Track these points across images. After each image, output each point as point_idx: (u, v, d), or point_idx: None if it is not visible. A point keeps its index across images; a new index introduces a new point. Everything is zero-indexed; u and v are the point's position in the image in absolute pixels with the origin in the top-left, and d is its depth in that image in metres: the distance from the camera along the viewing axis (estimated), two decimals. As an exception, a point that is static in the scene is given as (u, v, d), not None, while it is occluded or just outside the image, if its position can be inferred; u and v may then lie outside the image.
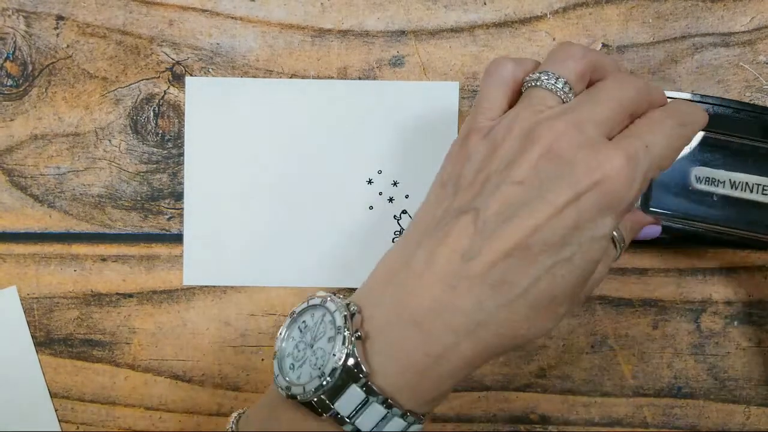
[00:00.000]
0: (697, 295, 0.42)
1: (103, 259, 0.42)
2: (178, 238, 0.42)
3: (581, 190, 0.27)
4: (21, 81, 0.41)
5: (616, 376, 0.42)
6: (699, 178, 0.36)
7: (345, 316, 0.28)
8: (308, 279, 0.42)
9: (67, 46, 0.41)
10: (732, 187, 0.36)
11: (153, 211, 0.42)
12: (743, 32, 0.41)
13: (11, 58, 0.41)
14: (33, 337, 0.42)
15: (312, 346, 0.29)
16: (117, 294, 0.42)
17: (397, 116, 0.41)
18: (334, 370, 0.28)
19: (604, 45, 0.41)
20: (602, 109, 0.29)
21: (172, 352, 0.42)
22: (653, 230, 0.37)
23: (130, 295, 0.42)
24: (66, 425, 0.42)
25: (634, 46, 0.41)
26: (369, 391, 0.28)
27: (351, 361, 0.28)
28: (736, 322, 0.42)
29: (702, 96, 0.40)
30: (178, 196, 0.42)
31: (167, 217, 0.42)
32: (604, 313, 0.42)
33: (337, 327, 0.28)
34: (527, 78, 0.31)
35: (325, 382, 0.28)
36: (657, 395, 0.42)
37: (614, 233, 0.32)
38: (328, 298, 0.30)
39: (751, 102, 0.41)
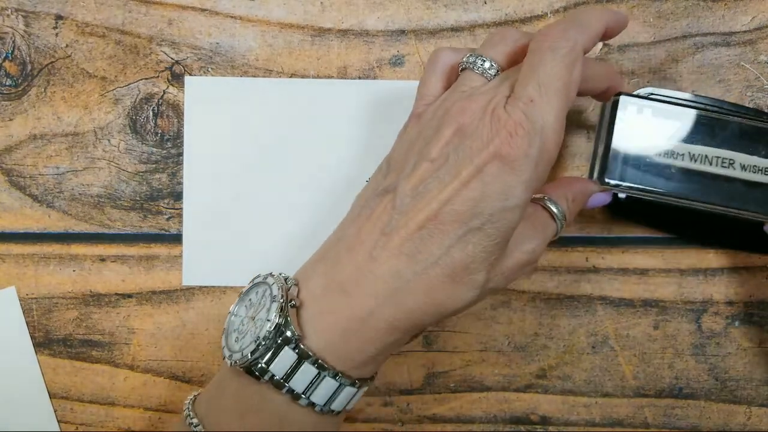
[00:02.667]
0: (698, 295, 0.42)
1: (102, 260, 0.42)
2: (177, 238, 0.42)
3: (481, 162, 0.29)
4: (20, 80, 0.41)
5: (617, 376, 0.42)
6: (658, 150, 0.36)
7: (281, 286, 0.31)
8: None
9: (66, 45, 0.41)
10: (691, 160, 0.36)
11: (152, 211, 0.42)
12: (744, 32, 0.41)
13: (10, 58, 0.41)
14: (32, 337, 0.42)
15: (253, 319, 0.31)
16: (116, 294, 0.42)
17: (397, 116, 0.41)
18: (268, 332, 0.30)
19: (604, 44, 0.41)
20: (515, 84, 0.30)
21: (172, 352, 0.42)
22: (601, 198, 0.37)
23: (130, 296, 0.42)
24: (65, 426, 0.42)
25: (634, 45, 0.41)
26: (301, 352, 0.30)
27: (284, 325, 0.30)
28: (737, 323, 0.42)
29: (702, 97, 0.40)
30: (178, 196, 0.42)
31: (166, 217, 0.42)
32: (604, 313, 0.42)
33: (273, 297, 0.31)
34: (461, 61, 0.33)
35: (260, 346, 0.30)
36: (658, 396, 0.42)
37: (552, 208, 0.34)
38: (269, 275, 0.32)
39: (752, 102, 0.41)
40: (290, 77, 0.41)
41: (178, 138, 0.42)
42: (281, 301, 0.30)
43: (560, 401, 0.42)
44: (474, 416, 0.42)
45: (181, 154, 0.42)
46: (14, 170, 0.42)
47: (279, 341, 0.30)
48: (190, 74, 0.41)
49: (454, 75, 0.34)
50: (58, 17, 0.41)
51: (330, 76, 0.41)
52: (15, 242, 0.42)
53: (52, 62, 0.41)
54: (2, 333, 0.41)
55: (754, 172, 0.36)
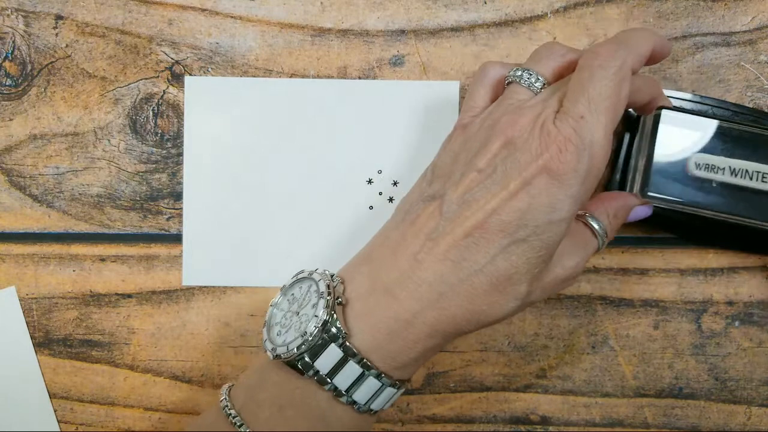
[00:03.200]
0: (698, 295, 0.42)
1: (102, 260, 0.42)
2: (177, 238, 0.42)
3: (529, 175, 0.29)
4: (20, 80, 0.41)
5: (617, 376, 0.42)
6: (698, 164, 0.36)
7: (328, 284, 0.31)
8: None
9: (66, 45, 0.41)
10: (732, 174, 0.36)
11: (152, 211, 0.42)
12: (744, 32, 0.41)
13: (10, 58, 0.41)
14: (32, 337, 0.42)
15: (298, 313, 0.32)
16: (116, 294, 0.42)
17: (397, 116, 0.41)
18: (315, 329, 0.30)
19: (604, 44, 0.41)
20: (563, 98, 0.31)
21: (172, 352, 0.42)
22: (643, 211, 0.37)
23: (129, 296, 0.42)
24: (65, 426, 0.42)
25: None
26: (346, 350, 0.31)
27: (331, 322, 0.30)
28: (737, 323, 0.42)
29: (702, 97, 0.40)
30: (178, 196, 0.42)
31: (166, 217, 0.42)
32: (604, 313, 0.42)
33: (320, 293, 0.31)
34: (507, 75, 0.34)
35: (306, 341, 0.30)
36: (658, 396, 0.42)
37: (594, 225, 0.34)
38: (315, 271, 0.33)
39: (752, 102, 0.41)
40: (290, 77, 0.41)
41: (178, 138, 0.42)
42: (328, 298, 0.31)
43: (560, 401, 0.42)
44: (474, 416, 0.42)
45: (181, 154, 0.42)
46: (14, 170, 0.42)
47: (325, 337, 0.30)
48: (190, 74, 0.41)
49: (500, 88, 0.34)
50: (58, 17, 0.41)
51: (330, 76, 0.41)
52: (15, 242, 0.42)
53: (52, 62, 0.41)
54: (2, 333, 0.41)
55: None
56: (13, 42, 0.41)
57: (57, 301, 0.42)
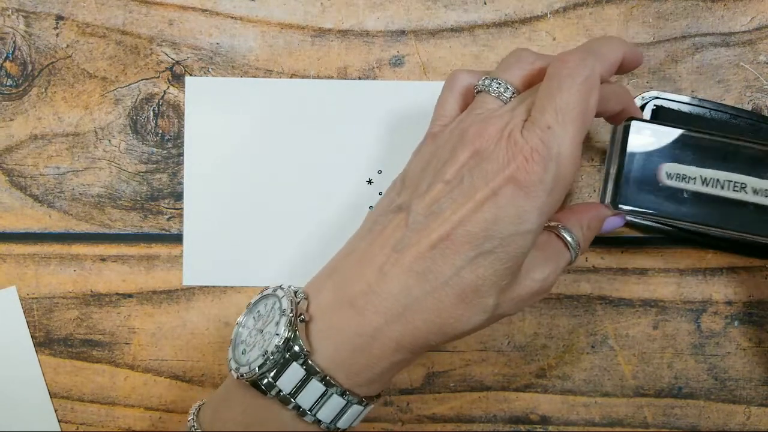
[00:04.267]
0: (698, 295, 0.42)
1: (103, 259, 0.42)
2: (177, 238, 0.42)
3: (496, 186, 0.29)
4: (21, 81, 0.41)
5: (617, 376, 0.42)
6: (670, 174, 0.36)
7: (291, 300, 0.31)
8: (308, 279, 0.42)
9: (67, 45, 0.41)
10: (703, 184, 0.36)
11: (153, 211, 0.42)
12: (744, 32, 0.41)
13: (11, 58, 0.41)
14: (33, 337, 0.42)
15: (262, 331, 0.31)
16: (117, 294, 0.42)
17: (397, 116, 0.41)
18: (276, 347, 0.30)
19: (604, 45, 0.41)
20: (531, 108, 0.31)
21: (172, 352, 0.42)
22: (615, 222, 0.37)
23: (130, 296, 0.42)
24: (66, 425, 0.42)
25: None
26: (309, 368, 0.30)
27: (293, 340, 0.30)
28: (736, 323, 0.42)
29: (700, 100, 0.40)
30: (178, 196, 0.42)
31: (167, 217, 0.42)
32: (604, 313, 0.42)
33: (282, 310, 0.31)
34: (476, 84, 0.33)
35: (268, 360, 0.30)
36: (657, 395, 0.42)
37: (567, 237, 0.34)
38: (279, 287, 0.32)
39: (751, 102, 0.41)
40: (290, 77, 0.41)
41: (178, 138, 0.42)
42: (290, 315, 0.30)
43: (560, 401, 0.42)
44: (474, 416, 0.42)
45: (181, 155, 0.42)
46: (15, 170, 0.42)
47: (287, 356, 0.30)
48: (191, 74, 0.41)
49: (470, 96, 0.34)
50: (59, 18, 0.41)
51: (330, 77, 0.41)
52: (16, 242, 0.42)
53: (52, 62, 0.41)
54: (3, 333, 0.41)
55: (766, 196, 0.35)
56: (14, 42, 0.41)
57: (58, 301, 0.42)
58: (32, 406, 0.42)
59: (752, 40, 0.41)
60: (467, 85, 0.34)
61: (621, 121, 0.36)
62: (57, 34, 0.41)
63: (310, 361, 0.30)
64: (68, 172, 0.42)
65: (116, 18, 0.41)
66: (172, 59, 0.41)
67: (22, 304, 0.42)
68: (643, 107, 0.40)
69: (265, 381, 0.30)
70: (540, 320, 0.42)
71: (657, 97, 0.40)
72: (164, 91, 0.42)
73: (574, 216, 0.35)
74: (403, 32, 0.41)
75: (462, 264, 0.29)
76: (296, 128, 0.41)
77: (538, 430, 0.42)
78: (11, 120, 0.41)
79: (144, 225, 0.42)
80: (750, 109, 0.41)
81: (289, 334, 0.30)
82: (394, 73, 0.41)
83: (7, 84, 0.41)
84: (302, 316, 0.31)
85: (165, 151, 0.42)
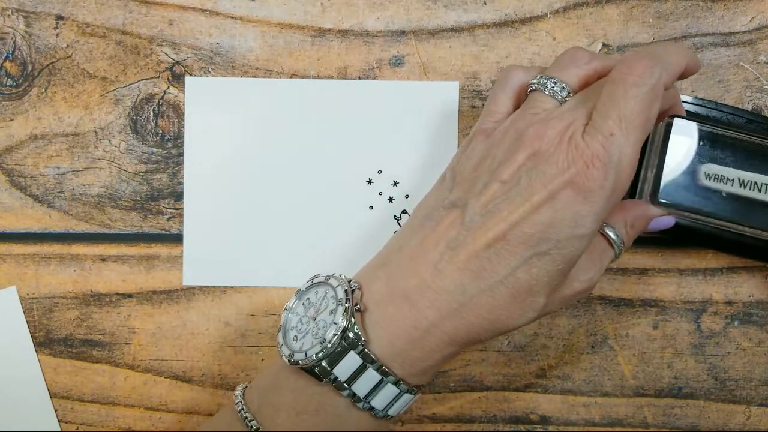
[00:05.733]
0: (698, 295, 0.42)
1: (103, 259, 0.42)
2: (177, 238, 0.42)
3: (554, 189, 0.29)
4: (21, 81, 0.41)
5: (617, 376, 0.42)
6: (708, 174, 0.36)
7: (346, 290, 0.31)
8: (308, 279, 0.42)
9: (67, 45, 0.41)
10: (741, 186, 0.36)
11: (153, 211, 0.42)
12: (743, 32, 0.41)
13: (11, 58, 0.41)
14: (33, 337, 0.42)
15: (315, 319, 0.32)
16: (117, 294, 0.42)
17: (397, 116, 0.41)
18: (334, 336, 0.30)
19: (604, 45, 0.41)
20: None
21: (172, 352, 0.42)
22: (666, 221, 0.37)
23: (130, 296, 0.42)
24: (66, 425, 0.42)
25: (634, 45, 0.41)
26: (365, 357, 0.30)
27: (350, 329, 0.30)
28: (736, 323, 0.42)
29: (702, 100, 0.40)
30: (178, 196, 0.42)
31: (167, 217, 0.42)
32: (604, 313, 0.42)
33: (339, 299, 0.31)
34: (531, 82, 0.33)
35: (326, 349, 0.30)
36: (657, 395, 0.42)
37: (611, 234, 0.33)
38: (332, 276, 0.32)
39: (751, 102, 0.41)
40: (290, 77, 0.41)
41: (178, 138, 0.42)
42: (347, 305, 0.31)
43: (560, 401, 0.42)
44: (474, 416, 0.42)
45: (181, 155, 0.42)
46: (15, 170, 0.42)
47: (345, 345, 0.30)
48: (191, 75, 0.41)
49: (523, 94, 0.34)
50: (59, 18, 0.41)
51: (330, 77, 0.41)
52: (16, 242, 0.42)
53: (52, 62, 0.41)
54: (3, 333, 0.41)
55: None
56: (14, 42, 0.41)
57: (57, 300, 0.42)
58: (32, 406, 0.42)
59: (752, 40, 0.41)
60: (521, 82, 0.34)
61: (663, 117, 0.36)
62: (57, 34, 0.41)
63: (367, 350, 0.30)
64: (68, 172, 0.42)
65: (116, 18, 0.41)
66: (172, 59, 0.41)
67: (22, 304, 0.42)
68: None
69: (321, 368, 0.30)
70: (540, 320, 0.42)
71: None
72: (164, 91, 0.42)
73: (620, 213, 0.35)
74: (403, 32, 0.41)
75: (517, 264, 0.30)
76: (296, 128, 0.41)
77: (538, 430, 0.42)
78: (11, 120, 0.41)
79: (144, 225, 0.42)
80: (750, 109, 0.41)
81: (347, 323, 0.30)
82: (394, 73, 0.41)
83: (7, 84, 0.41)
84: (358, 306, 0.31)
85: (165, 151, 0.42)
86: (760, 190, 0.36)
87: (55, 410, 0.42)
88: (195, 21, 0.41)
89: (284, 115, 0.41)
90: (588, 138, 0.29)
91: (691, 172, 0.36)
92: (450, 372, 0.42)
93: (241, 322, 0.42)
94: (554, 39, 0.41)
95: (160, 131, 0.42)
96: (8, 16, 0.41)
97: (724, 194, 0.36)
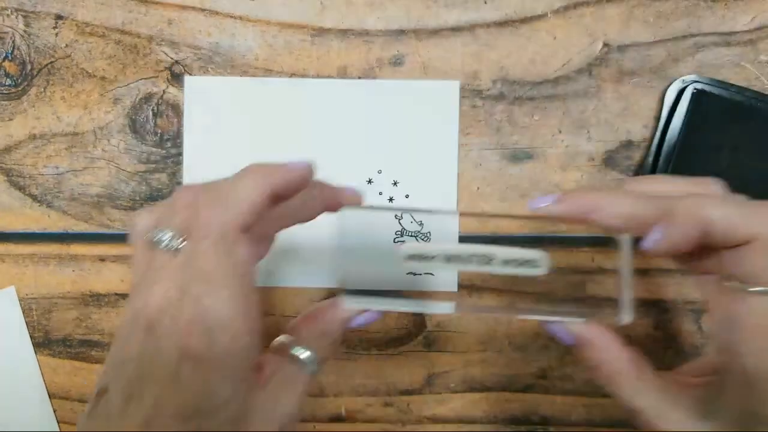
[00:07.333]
0: (698, 295, 0.41)
1: (102, 260, 0.42)
2: (177, 238, 0.42)
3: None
4: (20, 80, 0.41)
5: (617, 376, 0.42)
6: (411, 256, 0.33)
7: None
8: (308, 279, 0.41)
9: (66, 45, 0.41)
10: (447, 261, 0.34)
11: (152, 211, 0.42)
12: (744, 31, 0.41)
13: (10, 58, 0.41)
14: (31, 337, 0.42)
15: None
16: (116, 294, 0.42)
17: (397, 116, 0.41)
18: None
19: (604, 44, 0.41)
20: None
21: (171, 352, 0.42)
22: (368, 317, 0.34)
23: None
24: (65, 426, 0.42)
25: (635, 45, 0.41)
26: None
27: None
28: (737, 323, 0.42)
29: (740, 88, 0.40)
30: (178, 196, 0.42)
31: (166, 217, 0.42)
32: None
33: None
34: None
35: None
36: (658, 396, 0.42)
37: (297, 354, 0.31)
38: None
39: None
40: (290, 77, 0.41)
41: (177, 138, 0.42)
42: None
43: (560, 402, 0.42)
44: (474, 416, 0.42)
45: (180, 154, 0.42)
46: (14, 170, 0.42)
47: None
48: (190, 74, 0.41)
49: None
50: (58, 17, 0.41)
51: (330, 76, 0.41)
52: (15, 242, 0.42)
53: (51, 62, 0.41)
54: (2, 333, 0.41)
55: (509, 264, 0.33)
56: (13, 42, 0.41)
57: (56, 301, 0.42)
58: (31, 407, 0.41)
59: (753, 40, 0.41)
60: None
61: (336, 209, 0.33)
62: (56, 34, 0.41)
63: None
64: (67, 171, 0.42)
65: (115, 17, 0.41)
66: (172, 59, 0.41)
67: (21, 304, 0.42)
68: (682, 91, 0.40)
69: None
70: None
71: (697, 81, 0.40)
72: (163, 90, 0.41)
73: (305, 327, 0.33)
74: (403, 32, 0.41)
75: None
76: (296, 128, 0.41)
77: (539, 430, 0.42)
78: (10, 120, 0.41)
79: (143, 225, 0.42)
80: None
81: None
82: (394, 73, 0.41)
83: (6, 83, 0.41)
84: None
85: (164, 151, 0.42)
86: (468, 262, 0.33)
87: (54, 410, 0.42)
88: (194, 20, 0.41)
89: (284, 115, 0.41)
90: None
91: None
92: (450, 373, 0.42)
93: (241, 323, 0.42)
94: (554, 38, 0.41)
95: (159, 131, 0.42)
96: (7, 15, 0.41)
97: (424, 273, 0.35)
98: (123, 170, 0.42)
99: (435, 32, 0.41)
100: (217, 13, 0.41)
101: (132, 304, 0.29)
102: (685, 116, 0.40)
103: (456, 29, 0.41)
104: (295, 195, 0.32)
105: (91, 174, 0.42)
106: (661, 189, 0.31)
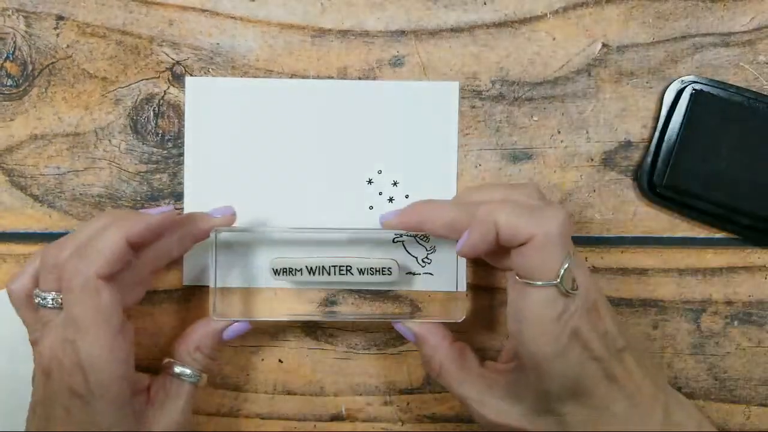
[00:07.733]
0: (697, 295, 0.42)
1: (103, 259, 0.42)
2: (178, 238, 0.42)
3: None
4: (21, 81, 0.41)
5: (616, 376, 0.42)
6: (277, 270, 0.40)
7: None
8: (308, 279, 0.42)
9: (67, 46, 0.41)
10: (310, 273, 0.40)
11: (153, 211, 0.42)
12: (743, 32, 0.41)
13: (11, 58, 0.41)
14: (33, 337, 0.42)
15: None
16: (117, 294, 0.42)
17: (397, 116, 0.41)
18: None
19: (603, 45, 0.41)
20: None
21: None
22: (238, 328, 0.40)
23: (130, 295, 0.42)
24: (66, 425, 0.42)
25: (634, 45, 0.41)
26: None
27: None
28: (736, 322, 0.42)
29: (738, 88, 0.40)
30: (178, 196, 0.42)
31: (167, 217, 0.42)
32: (604, 313, 0.42)
33: None
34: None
35: None
36: (657, 395, 0.42)
37: (177, 370, 0.38)
38: None
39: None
40: (290, 77, 0.41)
41: (178, 138, 0.42)
42: None
43: (560, 401, 0.42)
44: (474, 415, 0.42)
45: (181, 155, 0.42)
46: (15, 170, 0.42)
47: None
48: (191, 75, 0.41)
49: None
50: (59, 18, 0.41)
51: (330, 77, 0.41)
52: (16, 242, 0.42)
53: (53, 62, 0.41)
54: (2, 333, 0.41)
55: (372, 275, 0.39)
56: (14, 42, 0.41)
57: (58, 300, 0.42)
58: (33, 406, 0.42)
59: (752, 40, 0.41)
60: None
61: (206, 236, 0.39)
62: (57, 34, 0.41)
63: None
64: (68, 172, 0.42)
65: (116, 18, 0.41)
66: (173, 59, 0.41)
67: (22, 304, 0.42)
68: (681, 91, 0.40)
69: None
70: (540, 320, 0.42)
71: (696, 82, 0.40)
72: (164, 91, 0.42)
73: (183, 344, 0.39)
74: (403, 32, 0.41)
75: None
76: (296, 128, 0.41)
77: (538, 429, 0.42)
78: (11, 120, 0.42)
79: (144, 225, 0.42)
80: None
81: None
82: (394, 74, 0.41)
83: (8, 84, 0.41)
84: None
85: (165, 151, 0.42)
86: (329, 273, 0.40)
87: (56, 410, 0.42)
88: (195, 21, 0.41)
89: (284, 115, 0.41)
90: None
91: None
92: (450, 372, 0.42)
93: (242, 322, 0.42)
94: (554, 39, 0.41)
95: (161, 131, 0.42)
96: (8, 16, 0.41)
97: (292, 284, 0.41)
98: (124, 170, 0.42)
99: (435, 33, 0.41)
100: (217, 13, 0.41)
101: (35, 356, 0.35)
102: (684, 117, 0.40)
103: (455, 30, 0.41)
104: (155, 241, 0.36)
105: (92, 174, 0.42)
106: (482, 197, 0.36)
